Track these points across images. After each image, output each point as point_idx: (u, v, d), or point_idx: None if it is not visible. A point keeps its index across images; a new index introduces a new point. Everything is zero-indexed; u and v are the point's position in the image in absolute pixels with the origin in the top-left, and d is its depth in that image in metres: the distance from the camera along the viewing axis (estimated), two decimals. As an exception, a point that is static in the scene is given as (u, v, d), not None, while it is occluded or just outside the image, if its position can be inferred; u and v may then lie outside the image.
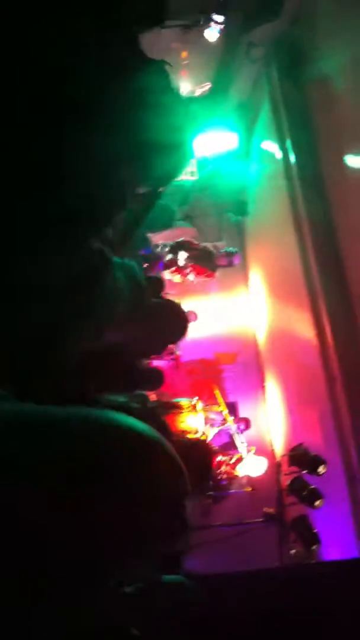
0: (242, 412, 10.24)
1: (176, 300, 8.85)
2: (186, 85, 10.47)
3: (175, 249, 9.89)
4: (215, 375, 11.64)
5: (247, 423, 9.68)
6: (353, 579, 5.51)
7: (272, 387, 11.38)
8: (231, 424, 8.92)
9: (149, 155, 3.26)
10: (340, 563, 6.92)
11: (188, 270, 9.95)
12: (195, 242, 10.29)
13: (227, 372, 11.85)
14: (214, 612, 4.89)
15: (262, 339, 12.00)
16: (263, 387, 11.74)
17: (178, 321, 3.51)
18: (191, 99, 8.72)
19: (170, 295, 10.43)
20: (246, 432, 9.82)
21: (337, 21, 7.74)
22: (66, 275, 2.32)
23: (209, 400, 9.64)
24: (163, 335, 3.43)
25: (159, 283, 8.13)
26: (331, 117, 8.18)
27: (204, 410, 8.94)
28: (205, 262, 10.08)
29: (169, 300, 3.66)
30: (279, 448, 10.26)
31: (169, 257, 9.81)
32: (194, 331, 10.69)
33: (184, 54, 9.82)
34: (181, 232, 10.68)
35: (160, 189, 3.78)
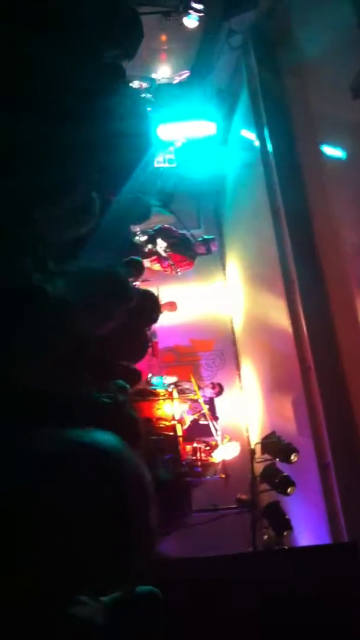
0: (218, 399, 10.30)
1: (153, 290, 8.91)
2: (165, 70, 10.45)
3: (153, 237, 9.88)
4: (192, 362, 11.72)
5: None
6: (323, 564, 5.64)
7: (248, 374, 11.46)
8: (206, 411, 8.98)
9: (110, 144, 3.29)
10: (311, 549, 7.05)
11: (167, 258, 9.95)
12: (174, 230, 10.29)
13: (203, 359, 11.93)
14: (189, 596, 4.99)
15: (238, 326, 12.07)
16: (239, 374, 11.82)
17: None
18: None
19: (149, 283, 10.51)
20: (222, 419, 9.90)
21: (313, 10, 7.75)
22: None
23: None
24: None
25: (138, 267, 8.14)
26: (308, 105, 8.21)
27: (180, 397, 9.00)
28: (184, 249, 10.10)
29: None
30: (254, 435, 10.36)
31: (148, 246, 9.80)
32: (171, 318, 10.80)
33: (163, 38, 9.78)
34: (159, 220, 10.67)
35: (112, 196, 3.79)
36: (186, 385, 9.44)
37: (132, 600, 1.98)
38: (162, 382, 9.50)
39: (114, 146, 3.73)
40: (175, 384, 9.37)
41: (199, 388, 9.49)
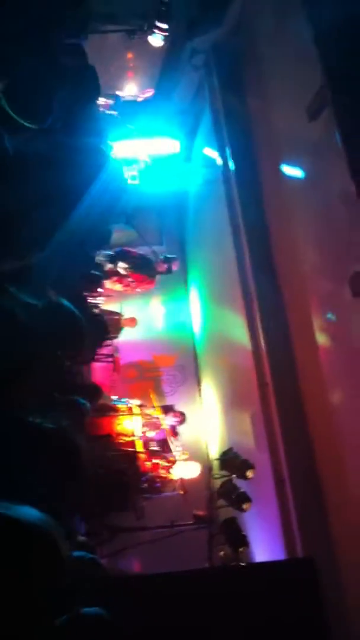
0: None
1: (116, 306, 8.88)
2: (131, 88, 10.53)
3: (114, 258, 9.90)
4: (153, 377, 11.73)
5: (182, 417, 9.74)
6: (279, 580, 5.65)
7: (208, 389, 11.50)
8: (166, 428, 8.98)
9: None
10: (267, 564, 7.07)
11: (128, 279, 9.97)
12: (134, 251, 10.33)
13: (165, 374, 11.95)
14: (145, 612, 4.96)
15: (199, 342, 12.12)
16: (199, 389, 11.86)
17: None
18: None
19: (112, 299, 10.52)
20: (182, 435, 9.89)
21: (275, 32, 7.91)
22: None
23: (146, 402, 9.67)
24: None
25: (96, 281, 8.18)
26: (269, 125, 8.34)
27: (141, 413, 8.98)
28: (145, 269, 10.12)
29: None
30: (214, 450, 10.38)
31: (108, 266, 9.81)
32: (134, 334, 10.81)
33: (130, 55, 9.87)
34: (121, 236, 10.71)
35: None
36: (148, 411, 9.46)
37: (78, 622, 2.01)
38: (125, 403, 9.45)
39: (70, 161, 3.76)
40: (140, 407, 9.37)
41: (162, 411, 9.51)
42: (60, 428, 2.73)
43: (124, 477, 6.55)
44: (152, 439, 9.12)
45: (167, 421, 9.50)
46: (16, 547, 1.49)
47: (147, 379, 11.77)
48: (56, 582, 1.58)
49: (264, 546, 8.14)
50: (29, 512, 1.62)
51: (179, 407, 10.49)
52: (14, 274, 3.34)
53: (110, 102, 10.06)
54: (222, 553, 7.12)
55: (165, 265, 10.29)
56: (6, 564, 1.46)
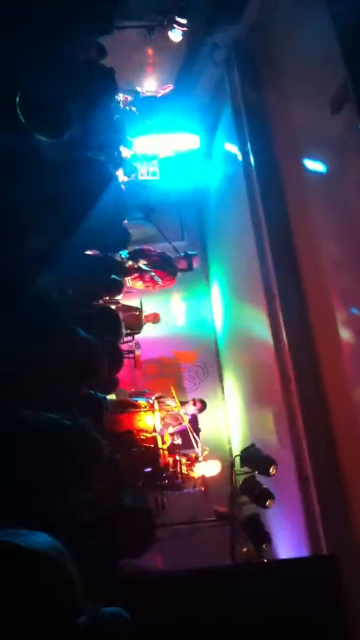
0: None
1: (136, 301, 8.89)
2: (151, 83, 10.52)
3: (134, 256, 9.90)
4: (175, 373, 11.73)
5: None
6: (303, 577, 5.65)
7: (230, 386, 11.49)
8: (187, 423, 8.96)
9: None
10: (290, 562, 7.06)
11: (150, 273, 9.94)
12: (152, 249, 10.31)
13: (186, 370, 11.95)
14: (167, 609, 4.98)
15: (221, 338, 12.10)
16: (221, 386, 11.84)
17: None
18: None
19: (132, 295, 10.52)
20: (204, 431, 9.87)
21: (295, 25, 7.85)
22: None
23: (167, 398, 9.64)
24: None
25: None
26: (290, 120, 8.30)
27: (161, 409, 8.97)
28: (165, 267, 10.09)
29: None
30: (236, 447, 10.37)
31: (129, 263, 9.80)
32: (154, 330, 10.81)
33: (150, 51, 9.86)
34: (142, 232, 10.72)
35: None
36: (168, 402, 9.42)
37: (98, 621, 2.02)
38: (145, 399, 9.44)
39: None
40: (158, 399, 9.36)
41: (181, 404, 9.48)
42: (79, 425, 2.74)
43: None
44: (173, 434, 9.11)
45: (188, 410, 9.48)
46: (19, 575, 1.61)
47: (168, 375, 11.76)
48: (65, 604, 1.69)
49: (287, 543, 8.12)
50: (36, 539, 1.73)
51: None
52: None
53: (130, 98, 10.07)
54: (245, 550, 7.11)
55: (186, 262, 10.25)
56: (10, 591, 1.57)
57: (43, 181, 3.20)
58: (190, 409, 9.46)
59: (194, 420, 9.60)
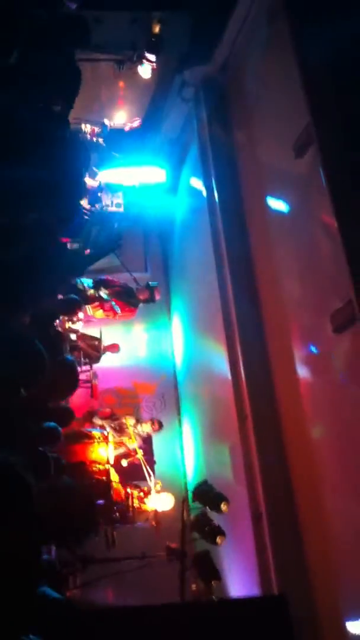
0: (157, 444, 10.20)
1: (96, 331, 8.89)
2: (120, 116, 10.60)
3: (96, 284, 9.89)
4: (132, 404, 11.64)
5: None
6: (251, 617, 5.56)
7: (188, 419, 11.43)
8: (141, 457, 8.86)
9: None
10: (239, 601, 6.96)
11: (111, 302, 9.92)
12: (115, 280, 10.30)
13: (144, 401, 11.86)
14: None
15: (181, 371, 12.07)
16: (179, 419, 11.77)
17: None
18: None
19: (93, 324, 10.46)
20: (158, 465, 9.76)
21: (263, 70, 8.07)
22: None
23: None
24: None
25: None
26: (255, 159, 8.46)
27: (115, 442, 8.87)
28: (126, 298, 10.08)
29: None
30: (192, 480, 10.28)
31: (89, 292, 9.78)
32: (114, 360, 10.74)
33: (120, 84, 9.95)
34: (105, 262, 10.71)
35: None
36: (123, 420, 9.39)
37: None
38: (100, 430, 9.33)
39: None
40: (111, 417, 9.29)
41: (137, 421, 9.44)
42: (6, 465, 2.64)
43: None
44: (125, 467, 8.99)
45: (145, 428, 9.42)
46: None
47: (125, 405, 11.66)
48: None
49: (238, 580, 8.03)
50: None
51: (157, 436, 10.38)
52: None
53: (97, 129, 10.13)
54: (194, 586, 6.99)
55: (147, 293, 10.25)
56: None
57: None
58: (147, 427, 9.41)
59: (149, 446, 9.53)
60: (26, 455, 4.20)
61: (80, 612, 5.31)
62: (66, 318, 9.26)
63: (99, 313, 10.03)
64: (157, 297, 10.36)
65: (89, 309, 9.80)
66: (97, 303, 9.86)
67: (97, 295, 9.82)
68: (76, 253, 8.46)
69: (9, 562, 2.65)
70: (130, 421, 9.31)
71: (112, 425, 9.31)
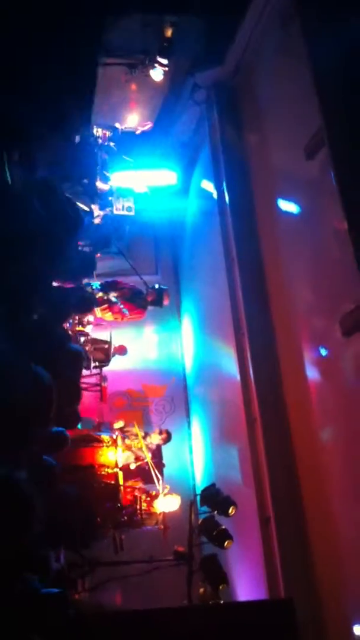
0: (166, 446, 10.18)
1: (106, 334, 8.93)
2: (132, 119, 10.62)
3: (105, 287, 9.92)
4: (142, 407, 11.64)
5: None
6: (258, 621, 5.55)
7: (197, 422, 11.42)
8: (149, 460, 8.83)
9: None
10: (246, 604, 6.94)
11: (119, 305, 9.94)
12: (124, 282, 10.31)
13: (153, 404, 11.86)
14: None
15: (190, 373, 12.06)
16: (188, 421, 11.77)
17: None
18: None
19: (102, 327, 10.50)
20: (167, 467, 9.73)
21: (275, 73, 8.06)
22: None
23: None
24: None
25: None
26: (266, 161, 8.45)
27: (125, 445, 8.84)
28: (135, 300, 10.08)
29: None
30: (200, 483, 10.26)
31: (99, 295, 9.81)
32: (123, 363, 10.77)
33: (133, 87, 9.97)
34: (115, 265, 10.76)
35: None
36: (132, 428, 9.35)
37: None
38: (109, 433, 9.31)
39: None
40: (121, 429, 9.25)
41: (146, 434, 9.38)
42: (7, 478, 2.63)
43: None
44: (134, 470, 8.97)
45: (153, 439, 9.37)
46: None
47: (135, 408, 11.68)
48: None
49: (245, 584, 8.01)
50: None
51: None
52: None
53: (109, 133, 10.15)
54: (201, 590, 6.96)
55: (156, 296, 10.24)
56: None
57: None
58: (156, 438, 9.37)
59: (157, 452, 9.49)
60: (30, 467, 4.20)
61: (88, 615, 5.32)
62: (77, 321, 9.31)
63: (108, 315, 10.05)
64: (166, 301, 10.35)
65: (98, 311, 9.82)
66: (105, 305, 9.88)
67: (105, 298, 9.84)
68: (86, 256, 8.48)
69: None
70: (140, 433, 9.26)
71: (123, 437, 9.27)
